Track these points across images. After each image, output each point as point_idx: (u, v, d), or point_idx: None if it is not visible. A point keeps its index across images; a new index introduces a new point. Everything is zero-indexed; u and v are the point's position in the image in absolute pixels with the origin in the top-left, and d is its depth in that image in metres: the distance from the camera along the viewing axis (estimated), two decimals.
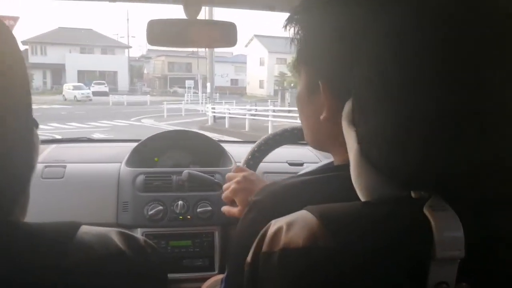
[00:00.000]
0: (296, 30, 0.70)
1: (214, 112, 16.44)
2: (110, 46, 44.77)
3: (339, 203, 0.54)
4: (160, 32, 1.17)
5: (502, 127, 0.45)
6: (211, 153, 1.75)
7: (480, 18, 0.45)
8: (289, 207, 0.57)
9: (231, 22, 1.16)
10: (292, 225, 0.52)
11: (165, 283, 0.62)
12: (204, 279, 1.20)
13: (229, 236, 1.53)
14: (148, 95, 32.72)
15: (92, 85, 34.54)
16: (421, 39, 0.46)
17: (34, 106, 0.54)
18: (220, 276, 1.10)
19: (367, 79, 0.51)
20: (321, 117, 0.69)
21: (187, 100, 26.66)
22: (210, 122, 16.03)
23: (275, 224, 0.54)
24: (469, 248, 0.47)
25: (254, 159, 1.27)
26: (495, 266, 0.50)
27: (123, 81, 42.92)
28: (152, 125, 15.37)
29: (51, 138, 2.19)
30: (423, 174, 0.48)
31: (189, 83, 34.27)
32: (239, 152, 1.70)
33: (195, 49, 36.95)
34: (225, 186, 1.05)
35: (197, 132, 1.81)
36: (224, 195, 1.03)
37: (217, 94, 30.12)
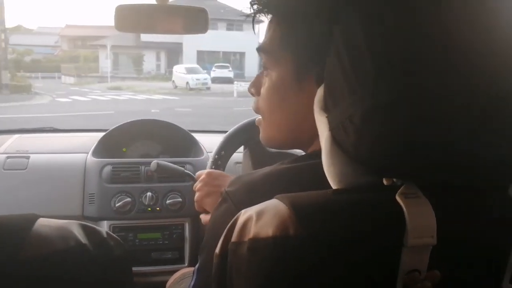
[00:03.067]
0: (268, 16, 0.68)
1: None
2: (237, 21, 31.30)
3: (310, 192, 0.53)
4: (128, 18, 1.14)
5: (475, 112, 0.44)
6: (182, 143, 1.71)
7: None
8: (263, 197, 0.56)
9: (202, 8, 1.14)
10: (262, 214, 0.51)
11: (129, 275, 0.61)
12: (174, 272, 1.17)
13: (200, 228, 1.49)
14: None
15: (213, 69, 25.43)
16: (393, 22, 0.45)
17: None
18: (189, 269, 1.10)
19: (337, 63, 0.50)
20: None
21: None
22: None
23: (244, 214, 0.53)
24: (441, 235, 0.47)
25: (221, 158, 1.24)
26: (466, 253, 0.50)
27: (251, 65, 29.88)
28: None
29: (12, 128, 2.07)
30: (395, 161, 0.47)
31: None
32: (210, 143, 1.64)
33: None
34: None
35: (167, 122, 1.75)
36: (196, 206, 1.01)
37: None
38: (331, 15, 0.53)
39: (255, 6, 0.68)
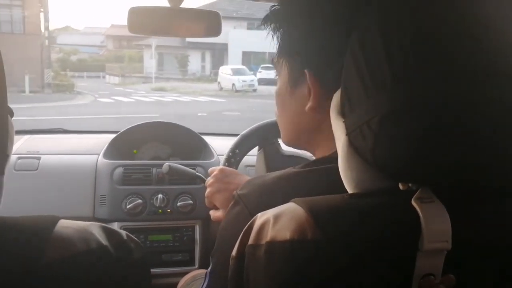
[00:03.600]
0: (276, 25, 0.71)
1: None
2: None
3: (326, 196, 0.53)
4: (141, 20, 1.14)
5: (491, 120, 0.44)
6: (192, 146, 1.70)
7: (474, 8, 0.45)
8: (275, 200, 0.57)
9: (215, 12, 1.14)
10: (280, 218, 0.51)
11: (148, 278, 0.60)
12: (184, 274, 1.20)
13: (210, 230, 1.49)
14: None
15: (260, 70, 24.06)
16: (411, 28, 0.45)
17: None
18: (199, 271, 1.13)
19: (355, 69, 0.50)
20: (307, 107, 0.69)
21: None
22: None
23: (261, 217, 0.53)
24: (456, 240, 0.47)
25: (235, 156, 1.23)
26: (480, 257, 0.50)
27: None
28: None
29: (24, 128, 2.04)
30: (411, 166, 0.48)
31: None
32: (220, 145, 1.66)
33: None
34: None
35: (177, 124, 1.73)
36: (206, 201, 1.02)
37: None
38: (349, 21, 0.54)
39: (272, 25, 0.71)
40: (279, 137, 1.10)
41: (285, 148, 1.33)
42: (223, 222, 0.69)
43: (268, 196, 0.64)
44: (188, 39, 27.95)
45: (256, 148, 1.33)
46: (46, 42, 18.90)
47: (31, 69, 17.67)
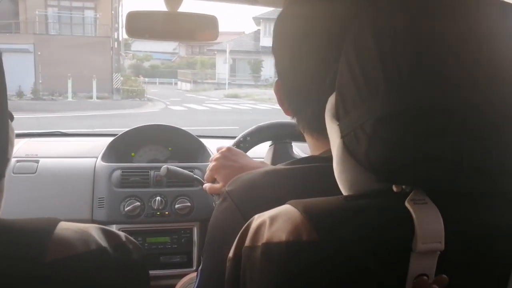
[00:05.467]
0: None
1: None
2: None
3: (322, 198, 0.54)
4: (139, 24, 1.14)
5: (483, 122, 0.46)
6: (189, 148, 1.71)
7: (462, 13, 0.46)
8: (262, 195, 0.59)
9: (212, 15, 1.14)
10: (276, 219, 0.52)
11: (147, 280, 0.59)
12: (182, 276, 1.21)
13: None
14: None
15: None
16: (404, 34, 0.46)
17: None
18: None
19: (349, 73, 0.51)
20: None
21: None
22: None
23: (258, 218, 0.54)
24: (449, 241, 0.48)
25: (245, 143, 1.24)
26: (473, 258, 0.51)
27: None
28: None
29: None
30: (404, 168, 0.48)
31: None
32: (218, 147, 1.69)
33: None
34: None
35: (174, 127, 1.73)
36: (206, 175, 1.03)
37: None
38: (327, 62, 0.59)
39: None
40: (294, 139, 1.33)
41: (296, 151, 1.37)
42: (212, 219, 0.69)
43: (256, 191, 0.64)
44: (263, 44, 26.78)
45: (269, 144, 1.34)
46: (115, 44, 17.90)
47: (100, 73, 16.77)
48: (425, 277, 0.48)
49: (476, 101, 0.45)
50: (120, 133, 1.66)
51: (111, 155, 1.60)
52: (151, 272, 1.31)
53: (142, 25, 1.12)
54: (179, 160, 1.66)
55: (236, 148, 1.03)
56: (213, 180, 1.00)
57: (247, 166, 0.95)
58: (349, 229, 0.49)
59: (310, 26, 0.66)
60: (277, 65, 0.73)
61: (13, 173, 1.46)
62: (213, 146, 1.67)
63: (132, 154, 1.67)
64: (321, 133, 0.67)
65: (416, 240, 0.47)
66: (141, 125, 1.68)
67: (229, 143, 1.23)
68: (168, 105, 15.88)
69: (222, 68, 27.53)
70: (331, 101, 0.56)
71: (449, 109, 0.45)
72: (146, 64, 35.17)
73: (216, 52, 28.60)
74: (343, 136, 0.52)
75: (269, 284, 0.49)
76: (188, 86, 26.90)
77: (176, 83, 29.94)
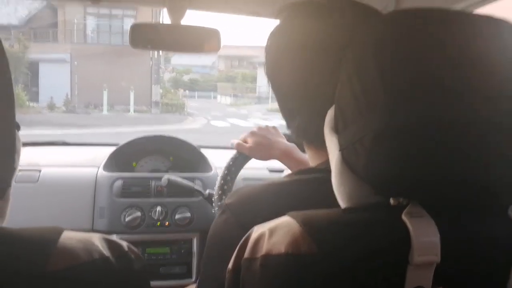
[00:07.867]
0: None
1: None
2: None
3: (320, 210, 0.54)
4: (142, 36, 1.17)
5: (481, 135, 0.46)
6: (190, 159, 1.71)
7: (462, 31, 0.47)
8: (261, 208, 0.60)
9: (214, 28, 1.17)
10: (275, 231, 0.52)
11: None
12: (181, 287, 1.23)
13: None
14: None
15: None
16: (404, 49, 0.47)
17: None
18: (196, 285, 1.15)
19: (349, 87, 0.51)
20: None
21: None
22: None
23: (257, 230, 0.54)
24: (445, 253, 0.48)
25: (231, 174, 1.18)
26: (469, 270, 0.51)
27: None
28: None
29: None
30: (401, 181, 0.49)
31: None
32: (219, 158, 1.65)
33: None
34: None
35: (175, 137, 1.75)
36: (242, 135, 1.10)
37: None
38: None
39: None
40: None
41: None
42: (211, 231, 0.70)
43: (255, 203, 0.65)
44: None
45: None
46: (155, 54, 16.83)
47: (138, 85, 15.66)
48: None
49: (474, 115, 0.45)
50: (122, 143, 1.67)
51: (113, 164, 1.61)
52: (151, 283, 1.08)
53: (145, 36, 1.16)
54: (180, 170, 1.66)
55: (277, 129, 1.12)
56: (244, 149, 1.07)
57: (276, 143, 1.06)
58: (347, 242, 0.50)
59: (308, 38, 0.67)
60: (274, 76, 0.74)
61: (15, 182, 1.26)
62: (213, 157, 1.69)
63: (134, 164, 1.67)
64: (319, 145, 0.67)
65: (413, 253, 0.48)
66: (143, 136, 1.70)
67: (230, 153, 1.19)
68: (210, 120, 14.62)
69: (264, 82, 26.53)
70: (330, 113, 0.57)
71: (448, 123, 0.45)
72: (186, 78, 34.61)
73: (258, 66, 27.78)
74: (342, 149, 0.53)
75: None
76: (228, 100, 26.15)
77: (215, 97, 29.06)
